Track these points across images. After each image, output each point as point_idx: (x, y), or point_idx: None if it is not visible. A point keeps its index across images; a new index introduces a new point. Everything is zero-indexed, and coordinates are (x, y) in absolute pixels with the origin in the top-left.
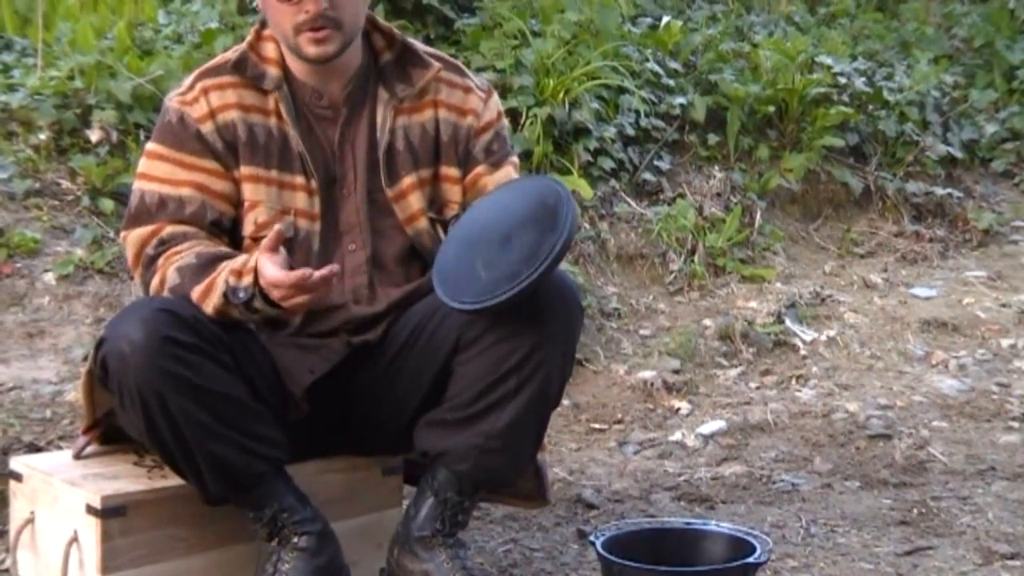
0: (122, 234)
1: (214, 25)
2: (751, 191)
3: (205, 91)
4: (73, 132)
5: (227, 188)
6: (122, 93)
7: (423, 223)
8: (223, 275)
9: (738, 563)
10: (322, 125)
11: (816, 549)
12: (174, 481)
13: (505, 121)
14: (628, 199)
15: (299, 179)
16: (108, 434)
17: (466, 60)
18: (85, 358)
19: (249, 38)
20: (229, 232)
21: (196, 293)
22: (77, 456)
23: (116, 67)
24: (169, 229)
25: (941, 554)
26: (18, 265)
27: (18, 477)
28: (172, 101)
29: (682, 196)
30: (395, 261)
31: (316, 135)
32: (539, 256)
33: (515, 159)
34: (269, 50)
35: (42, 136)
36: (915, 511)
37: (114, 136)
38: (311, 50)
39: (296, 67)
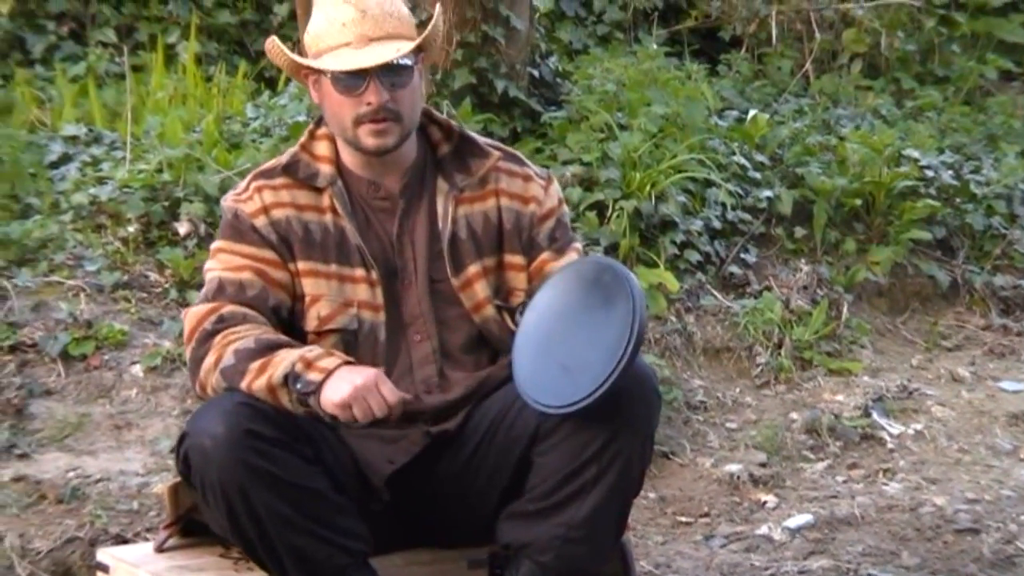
0: (183, 312)
1: (301, 119)
2: (838, 284)
3: (259, 189)
4: (161, 225)
5: (285, 278)
6: (210, 186)
7: (490, 311)
8: (293, 357)
9: None
10: (379, 217)
11: None
12: (260, 574)
13: (566, 208)
14: (714, 292)
15: (359, 271)
16: (189, 528)
17: (552, 153)
18: (172, 450)
19: (302, 139)
20: (287, 324)
21: (249, 373)
22: (159, 549)
23: (204, 160)
24: (229, 308)
25: None
26: (106, 357)
27: (105, 569)
28: (228, 200)
29: (768, 289)
30: (463, 350)
31: (374, 227)
32: (618, 349)
33: (578, 245)
34: (321, 148)
35: (131, 229)
36: None
37: (202, 229)
38: (370, 141)
39: (352, 161)
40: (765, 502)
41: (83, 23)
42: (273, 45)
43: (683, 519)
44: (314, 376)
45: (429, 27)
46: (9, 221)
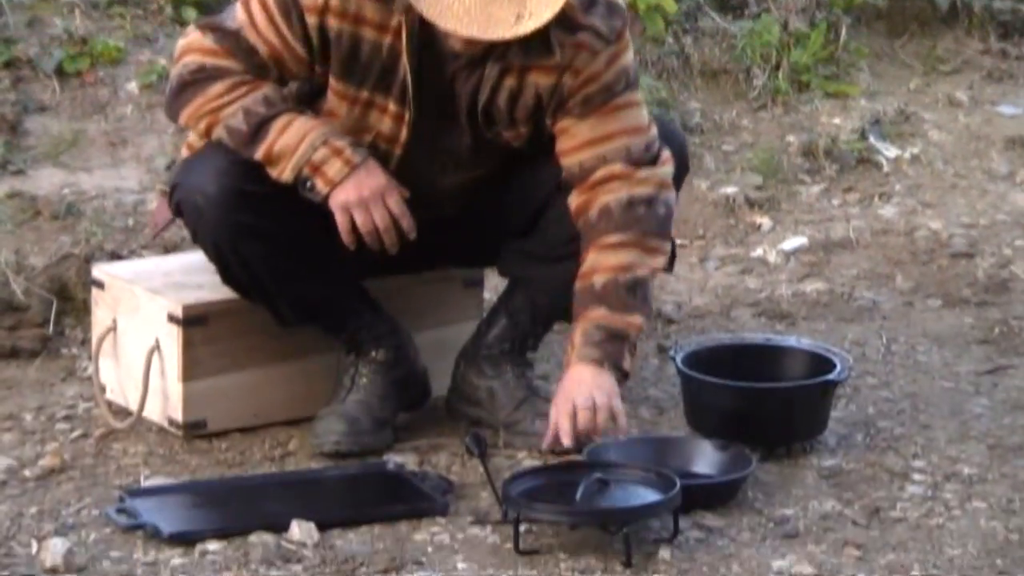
0: (191, 26)
1: None
2: (836, 6)
3: None
4: None
5: (299, 72)
6: None
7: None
8: (299, 155)
9: (818, 380)
10: (437, 62)
11: (896, 367)
12: None
13: (618, 71)
14: (712, 13)
15: (392, 105)
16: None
17: None
18: (168, 167)
19: None
20: None
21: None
22: (155, 236)
23: None
24: (214, 61)
25: (1022, 373)
26: (101, 74)
27: (100, 285)
28: None
29: (767, 11)
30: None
31: (429, 70)
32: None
33: (627, 98)
34: None
35: None
36: (996, 330)
37: None
38: (458, 45)
39: None
40: (760, 225)
41: None
42: None
43: (678, 241)
44: (321, 187)
45: None
46: None
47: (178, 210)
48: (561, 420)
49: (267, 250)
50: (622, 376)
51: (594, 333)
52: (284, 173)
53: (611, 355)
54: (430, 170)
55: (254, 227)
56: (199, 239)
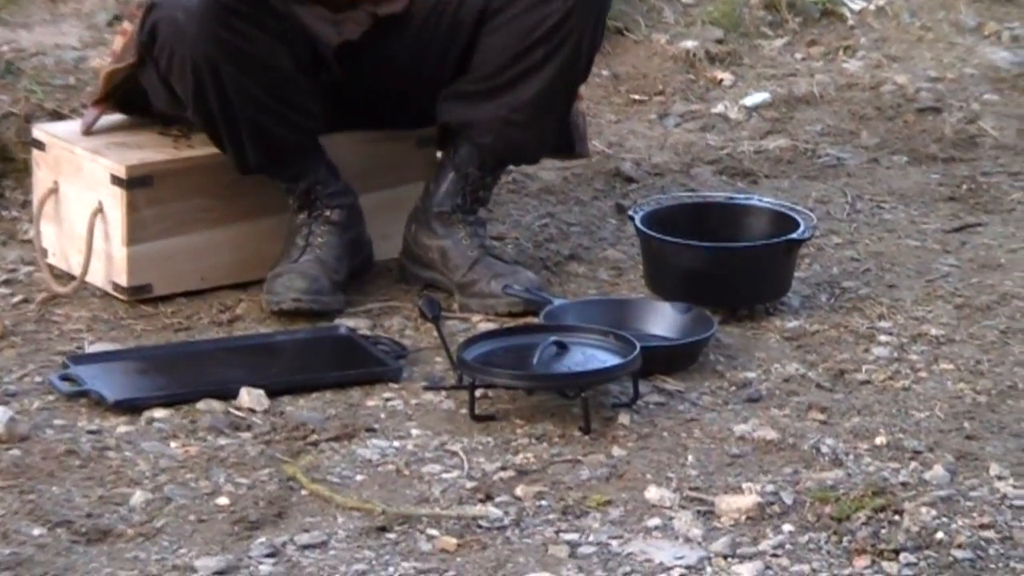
0: None
1: None
2: None
3: None
4: None
5: None
6: None
7: None
8: None
9: (782, 239)
10: None
11: (862, 225)
12: (201, 151)
13: None
14: None
15: None
16: (127, 105)
17: None
18: (110, 23)
19: None
20: None
21: None
22: (87, 132)
23: None
24: None
25: (990, 231)
26: None
27: (40, 146)
28: None
29: None
30: None
31: None
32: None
33: None
34: None
35: None
36: (964, 187)
37: None
38: None
39: None
40: (721, 80)
41: None
42: None
43: (637, 97)
44: None
45: None
46: None
47: (152, 33)
48: None
49: (242, 73)
50: None
51: None
52: None
53: None
54: None
55: (232, 45)
56: (175, 61)
